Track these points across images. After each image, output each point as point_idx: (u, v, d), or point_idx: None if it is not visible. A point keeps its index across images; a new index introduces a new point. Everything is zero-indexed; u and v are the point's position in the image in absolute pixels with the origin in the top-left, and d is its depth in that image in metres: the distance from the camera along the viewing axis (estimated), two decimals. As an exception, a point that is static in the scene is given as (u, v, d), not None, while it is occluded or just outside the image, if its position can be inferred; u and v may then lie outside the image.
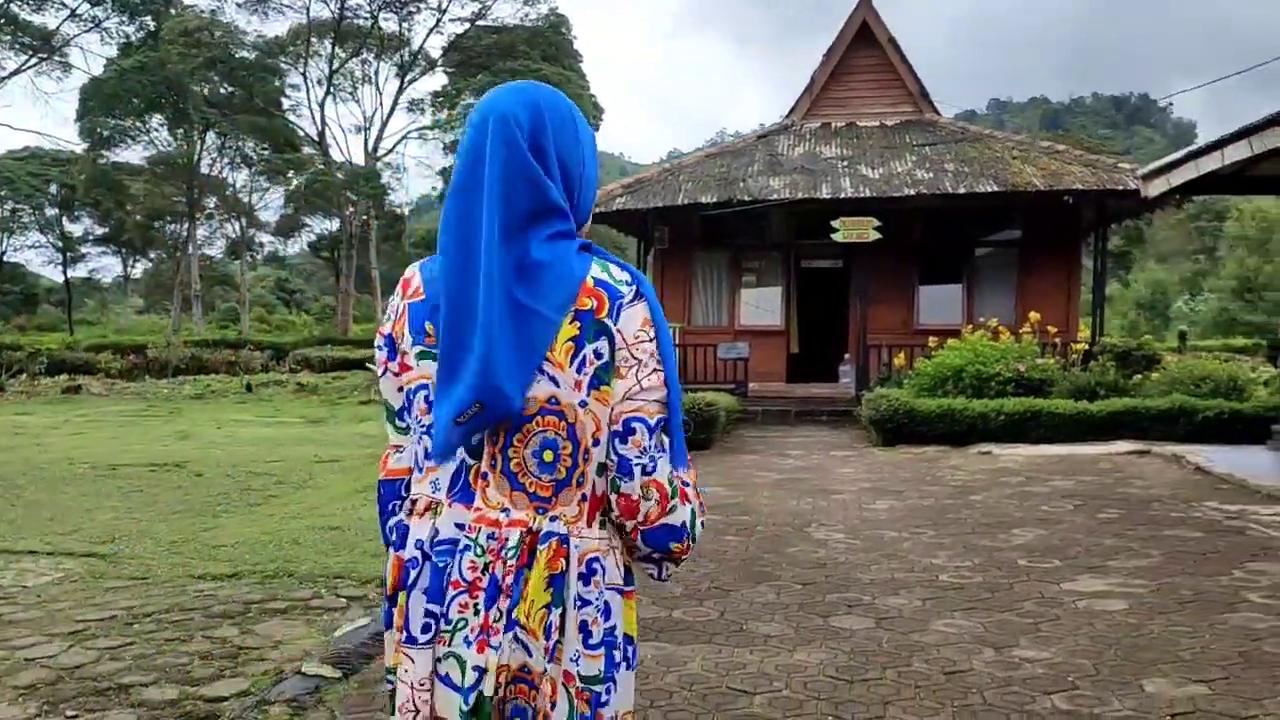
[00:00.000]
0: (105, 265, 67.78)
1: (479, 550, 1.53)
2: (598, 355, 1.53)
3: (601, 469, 1.57)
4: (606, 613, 1.58)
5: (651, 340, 1.57)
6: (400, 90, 41.35)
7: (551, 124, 1.59)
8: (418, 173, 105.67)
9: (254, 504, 8.74)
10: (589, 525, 1.57)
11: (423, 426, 1.60)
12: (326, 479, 10.13)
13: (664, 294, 18.71)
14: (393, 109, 41.51)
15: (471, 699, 1.50)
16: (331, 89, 44.05)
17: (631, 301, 1.55)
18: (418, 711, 1.55)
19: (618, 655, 1.59)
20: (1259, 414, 11.55)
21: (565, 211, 1.57)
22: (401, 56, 42.66)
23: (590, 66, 54.40)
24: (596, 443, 1.55)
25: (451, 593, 1.53)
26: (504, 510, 1.54)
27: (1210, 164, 8.99)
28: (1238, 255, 42.90)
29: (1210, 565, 6.03)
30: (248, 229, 64.63)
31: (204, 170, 51.07)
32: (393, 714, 1.62)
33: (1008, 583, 5.70)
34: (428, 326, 1.59)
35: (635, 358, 1.55)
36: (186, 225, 51.62)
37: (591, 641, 1.56)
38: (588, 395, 1.53)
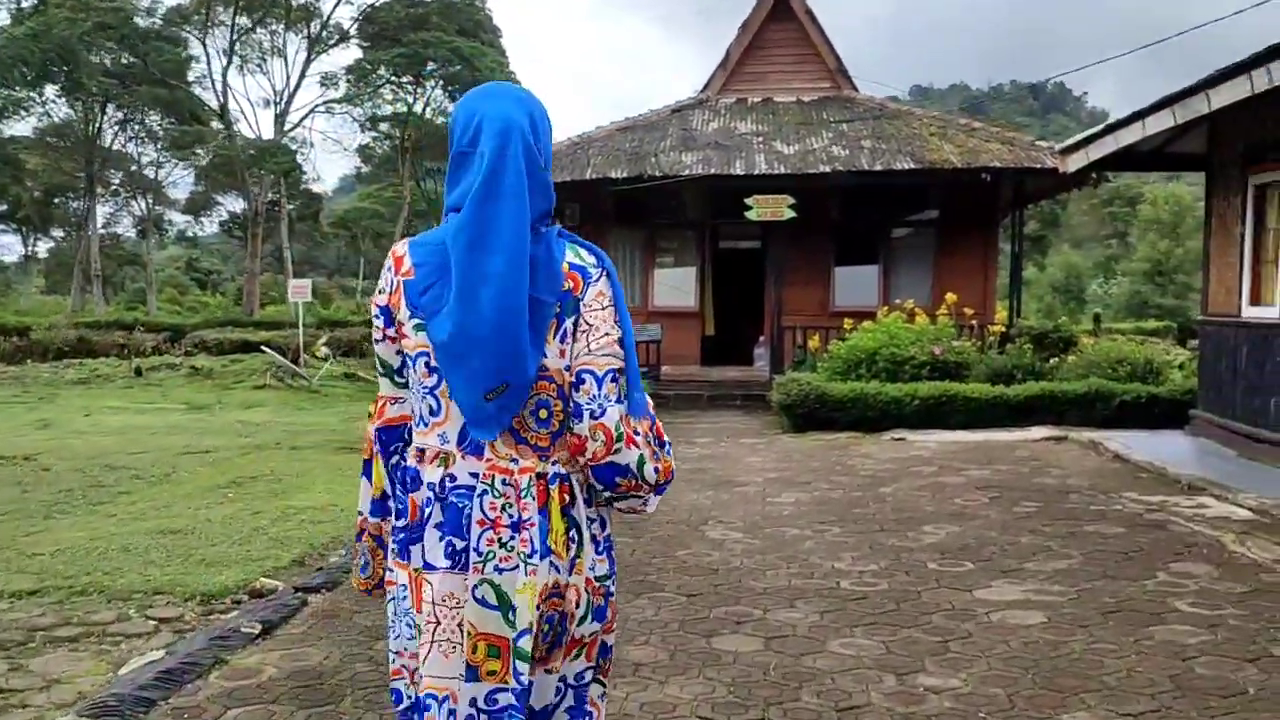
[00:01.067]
0: (6, 244, 64.77)
1: (495, 493, 1.84)
2: (573, 325, 1.87)
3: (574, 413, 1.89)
4: (603, 524, 2.00)
5: (604, 308, 1.89)
6: (308, 62, 39.73)
7: (542, 128, 1.91)
8: (326, 149, 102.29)
9: (97, 503, 7.83)
10: (576, 459, 1.90)
11: (424, 388, 1.90)
12: (190, 472, 9.23)
13: (574, 274, 17.96)
14: (299, 81, 39.86)
15: (515, 616, 1.81)
16: (240, 61, 42.25)
17: (597, 280, 1.90)
18: (439, 623, 1.86)
19: (613, 554, 2.04)
20: (1175, 398, 11.26)
21: (554, 201, 1.91)
22: (310, 28, 41.04)
23: (510, 43, 53.20)
24: (571, 386, 1.88)
25: (477, 530, 1.84)
26: (512, 460, 1.86)
27: (1130, 136, 8.57)
28: (1149, 239, 43.60)
29: (1133, 567, 5.54)
30: (155, 207, 62.22)
31: (107, 145, 48.84)
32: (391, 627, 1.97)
33: (916, 590, 5.12)
34: (421, 302, 1.88)
35: (589, 322, 1.88)
36: (87, 202, 49.30)
37: (599, 550, 1.97)
38: (567, 361, 1.87)
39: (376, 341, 2.00)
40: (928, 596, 5.01)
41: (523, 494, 1.85)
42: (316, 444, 11.44)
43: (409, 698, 1.99)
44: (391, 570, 1.97)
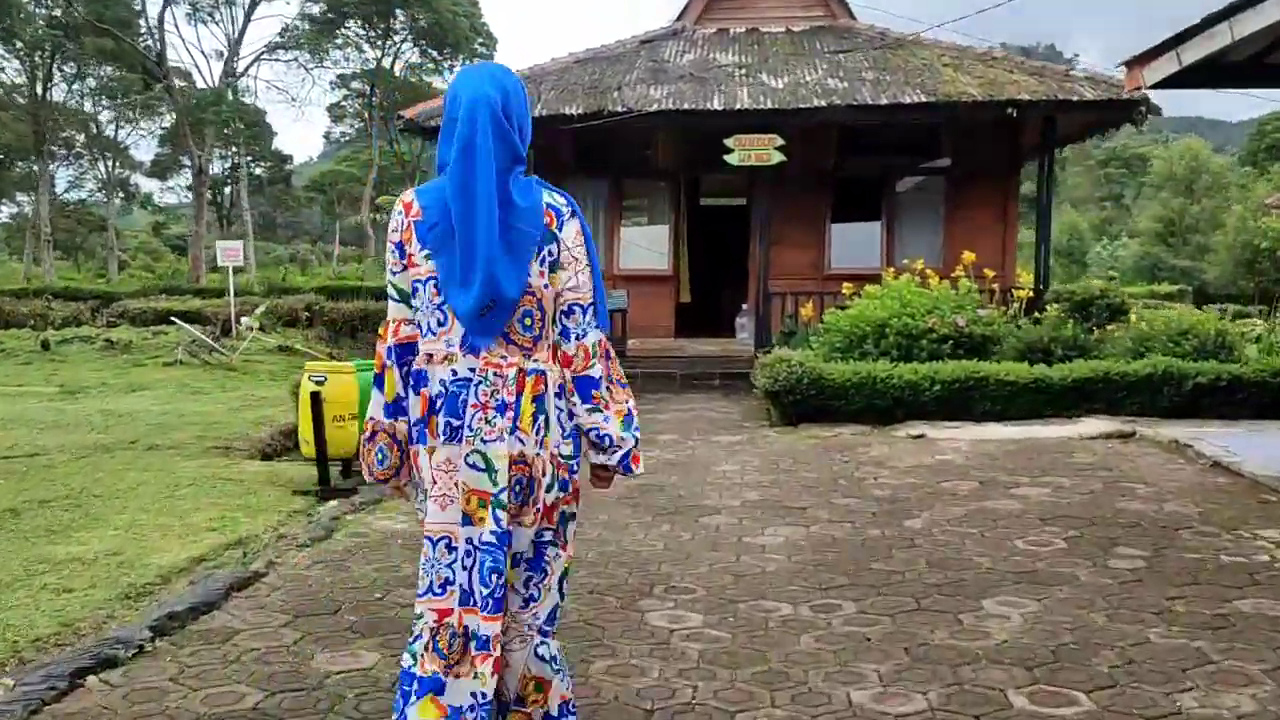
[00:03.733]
0: (-37, 208, 61.95)
1: (487, 383, 2.44)
2: (550, 254, 2.48)
3: (557, 326, 2.54)
4: (571, 415, 2.57)
5: (582, 247, 2.53)
6: (253, 6, 36.77)
7: (513, 97, 2.49)
8: (270, 99, 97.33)
9: None
10: (554, 364, 2.54)
11: (433, 304, 2.46)
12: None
13: (529, 232, 15.50)
14: (245, 24, 36.85)
15: (496, 477, 2.43)
16: (190, 8, 39.32)
17: (570, 218, 2.52)
18: (436, 482, 2.46)
19: (579, 441, 2.60)
20: (1263, 380, 8.93)
21: (524, 158, 2.50)
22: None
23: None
24: (553, 311, 2.52)
25: (471, 411, 2.43)
26: (503, 358, 2.46)
27: (1253, 23, 6.16)
28: (1162, 198, 41.08)
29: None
30: (119, 169, 59.39)
31: (60, 103, 45.87)
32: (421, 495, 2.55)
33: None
34: (428, 236, 2.45)
35: (574, 256, 2.51)
36: (39, 163, 46.34)
37: (565, 433, 2.55)
38: (546, 281, 2.48)
39: (393, 272, 2.51)
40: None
41: (509, 383, 2.45)
42: (181, 443, 9.04)
43: (435, 550, 2.51)
44: (415, 448, 2.52)
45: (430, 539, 2.47)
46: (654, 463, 7.63)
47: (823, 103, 12.66)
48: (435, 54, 50.45)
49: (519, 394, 2.43)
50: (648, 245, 15.59)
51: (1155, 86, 7.86)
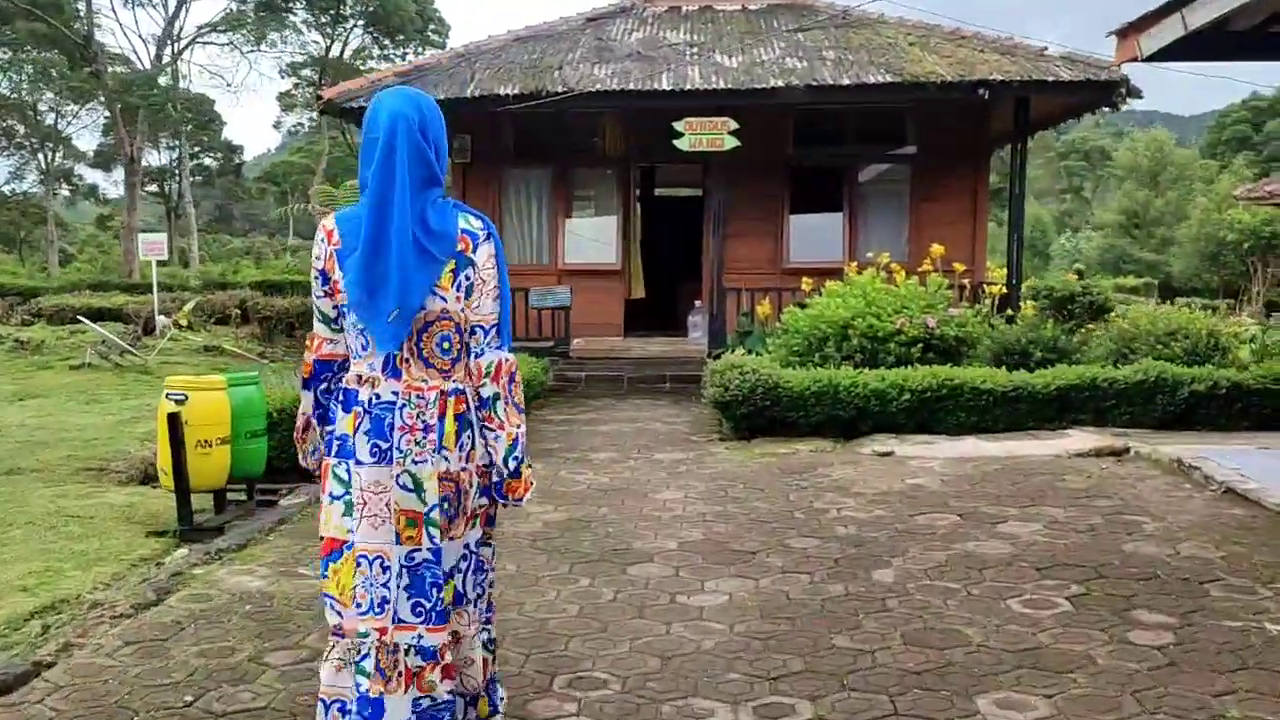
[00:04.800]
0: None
1: (412, 406, 2.57)
2: (466, 279, 2.59)
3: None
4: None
5: (492, 270, 2.64)
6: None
7: (430, 120, 2.59)
8: (205, 84, 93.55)
9: None
10: (469, 382, 2.67)
11: (357, 329, 2.58)
12: None
13: (466, 224, 14.39)
14: (179, 7, 35.16)
15: (426, 496, 2.57)
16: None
17: (485, 241, 2.63)
18: (365, 503, 2.56)
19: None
20: (1265, 388, 8.06)
21: (440, 180, 2.60)
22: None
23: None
24: (468, 332, 2.64)
25: (398, 434, 2.55)
26: (423, 381, 2.59)
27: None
28: (1126, 188, 40.51)
29: None
30: (60, 160, 57.37)
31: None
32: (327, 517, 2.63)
33: None
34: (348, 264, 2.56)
35: (483, 279, 2.62)
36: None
37: (489, 446, 2.68)
38: (462, 305, 2.60)
39: (318, 298, 2.65)
40: None
41: (430, 405, 2.58)
42: (48, 465, 7.91)
43: (331, 566, 2.63)
44: (332, 459, 2.63)
45: (365, 559, 2.59)
46: (584, 488, 6.59)
47: (780, 83, 11.66)
48: (386, 41, 49.00)
49: (441, 415, 2.59)
50: (595, 237, 14.52)
51: (1154, 58, 6.94)
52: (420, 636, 2.58)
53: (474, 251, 2.59)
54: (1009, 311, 11.49)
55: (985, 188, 14.30)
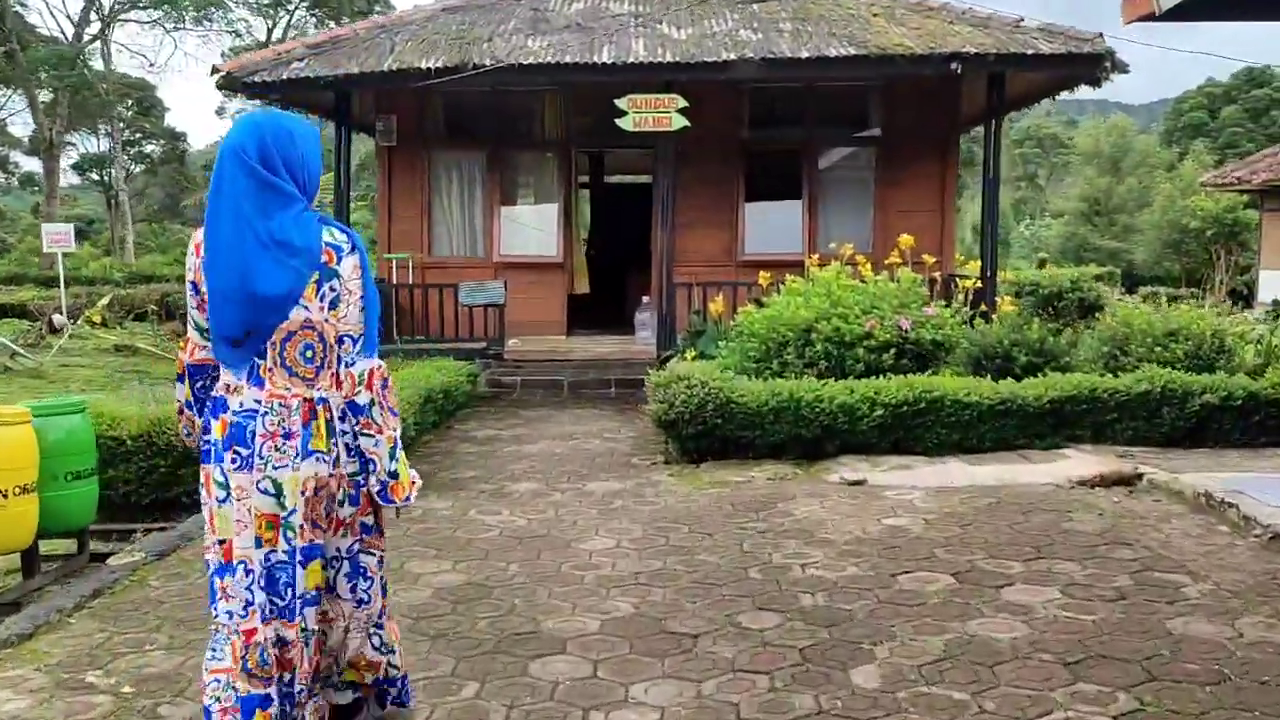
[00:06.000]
0: None
1: (274, 414, 2.64)
2: (331, 290, 2.67)
3: (337, 359, 2.73)
4: (355, 437, 2.76)
5: (358, 282, 2.71)
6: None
7: (277, 142, 2.64)
8: (124, 64, 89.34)
9: None
10: (338, 390, 2.73)
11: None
12: None
13: (392, 209, 13.11)
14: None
15: (285, 500, 2.66)
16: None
17: (349, 254, 2.71)
18: (236, 509, 2.67)
19: (364, 460, 2.78)
20: (1285, 398, 7.06)
21: (298, 195, 2.66)
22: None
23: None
24: (334, 342, 2.71)
25: (260, 441, 2.63)
26: (286, 389, 2.66)
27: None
28: (1087, 175, 39.81)
29: None
30: (-3, 146, 55.06)
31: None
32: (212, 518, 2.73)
33: None
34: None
35: (349, 290, 2.70)
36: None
37: (351, 454, 2.76)
38: (327, 315, 2.68)
39: (192, 309, 2.73)
40: None
41: (293, 413, 2.65)
42: None
43: (217, 564, 2.75)
44: (207, 467, 2.72)
45: (229, 565, 2.71)
46: (495, 537, 5.40)
47: (733, 55, 10.50)
48: (330, 23, 47.16)
49: (306, 422, 2.68)
50: (534, 226, 13.31)
51: (1170, 15, 5.87)
52: (277, 630, 2.70)
53: (338, 264, 2.69)
54: (983, 307, 10.47)
55: (954, 173, 13.27)
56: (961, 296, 10.35)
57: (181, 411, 2.95)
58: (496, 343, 11.66)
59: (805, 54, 10.53)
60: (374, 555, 2.90)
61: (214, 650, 2.75)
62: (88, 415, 5.26)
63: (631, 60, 10.47)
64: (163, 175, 66.93)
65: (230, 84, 10.61)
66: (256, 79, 10.51)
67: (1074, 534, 5.15)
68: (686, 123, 10.65)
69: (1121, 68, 10.38)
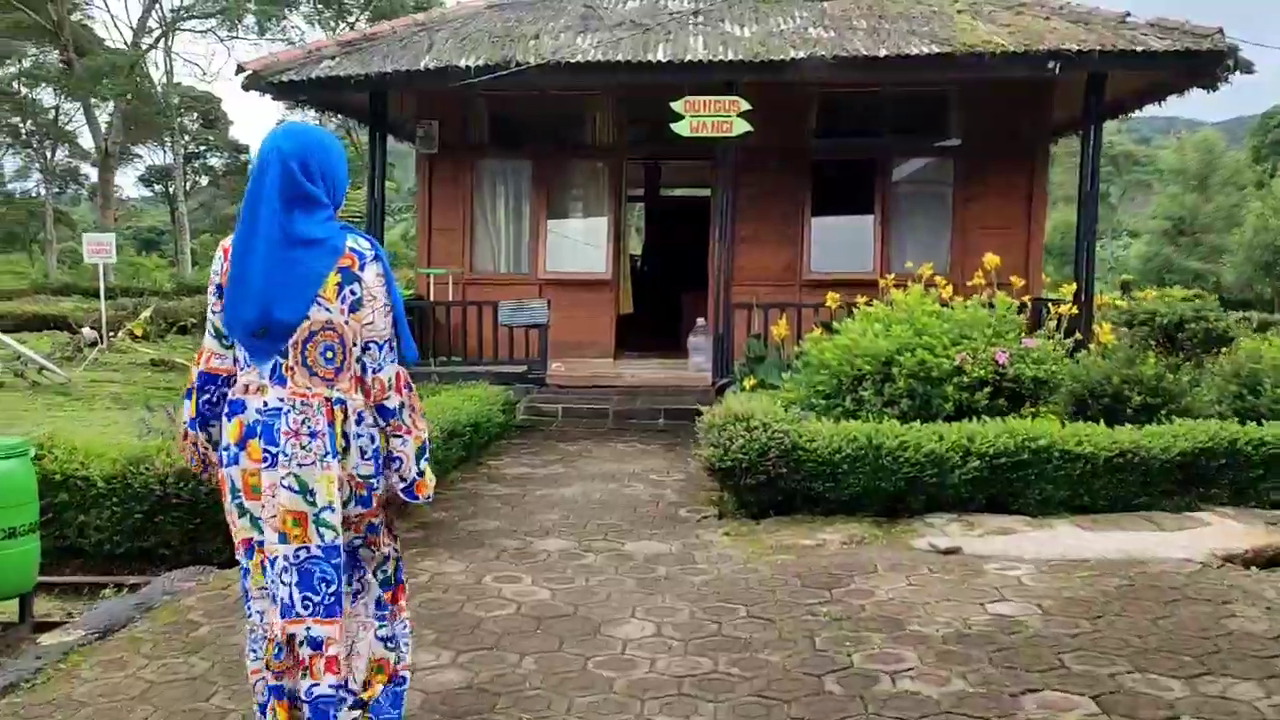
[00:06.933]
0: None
1: (296, 412, 2.69)
2: (352, 293, 2.73)
3: (358, 360, 2.80)
4: (373, 439, 2.83)
5: (382, 288, 2.79)
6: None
7: (315, 152, 2.76)
8: (183, 73, 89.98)
9: None
10: (356, 393, 2.79)
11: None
12: None
13: (432, 222, 12.27)
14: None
15: (315, 497, 2.70)
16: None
17: (371, 261, 2.78)
18: (265, 506, 2.72)
19: (380, 464, 2.86)
20: None
21: (327, 204, 2.78)
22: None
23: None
24: (355, 345, 2.77)
25: (284, 438, 2.68)
26: (307, 388, 2.71)
27: None
28: (1171, 193, 37.94)
29: None
30: (60, 156, 55.77)
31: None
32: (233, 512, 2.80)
33: None
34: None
35: (373, 295, 2.78)
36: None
37: (365, 456, 2.81)
38: (348, 317, 2.74)
39: (213, 311, 2.79)
40: None
41: (316, 411, 2.70)
42: None
43: (245, 563, 2.85)
44: (225, 471, 2.77)
45: (272, 560, 2.75)
46: (510, 616, 4.43)
47: (802, 53, 9.50)
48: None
49: (330, 421, 2.72)
50: (583, 241, 12.40)
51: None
52: (309, 628, 2.72)
53: (361, 269, 2.76)
54: (1078, 336, 9.30)
55: (1043, 187, 12.11)
56: (1053, 324, 9.19)
57: (185, 435, 2.95)
58: (538, 366, 10.74)
59: (884, 52, 9.49)
60: (371, 550, 2.96)
61: (253, 651, 2.89)
62: (29, 460, 4.41)
63: (690, 58, 9.51)
64: (225, 187, 67.48)
65: (255, 83, 9.85)
66: (284, 78, 9.74)
67: (1241, 637, 4.04)
68: (749, 127, 9.66)
69: (1245, 67, 9.17)
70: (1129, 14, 10.11)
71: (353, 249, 2.75)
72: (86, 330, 15.53)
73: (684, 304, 14.26)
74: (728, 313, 10.33)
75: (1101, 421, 6.48)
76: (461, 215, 12.23)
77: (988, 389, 6.59)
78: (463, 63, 9.72)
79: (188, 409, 2.89)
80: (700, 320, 11.80)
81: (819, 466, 5.93)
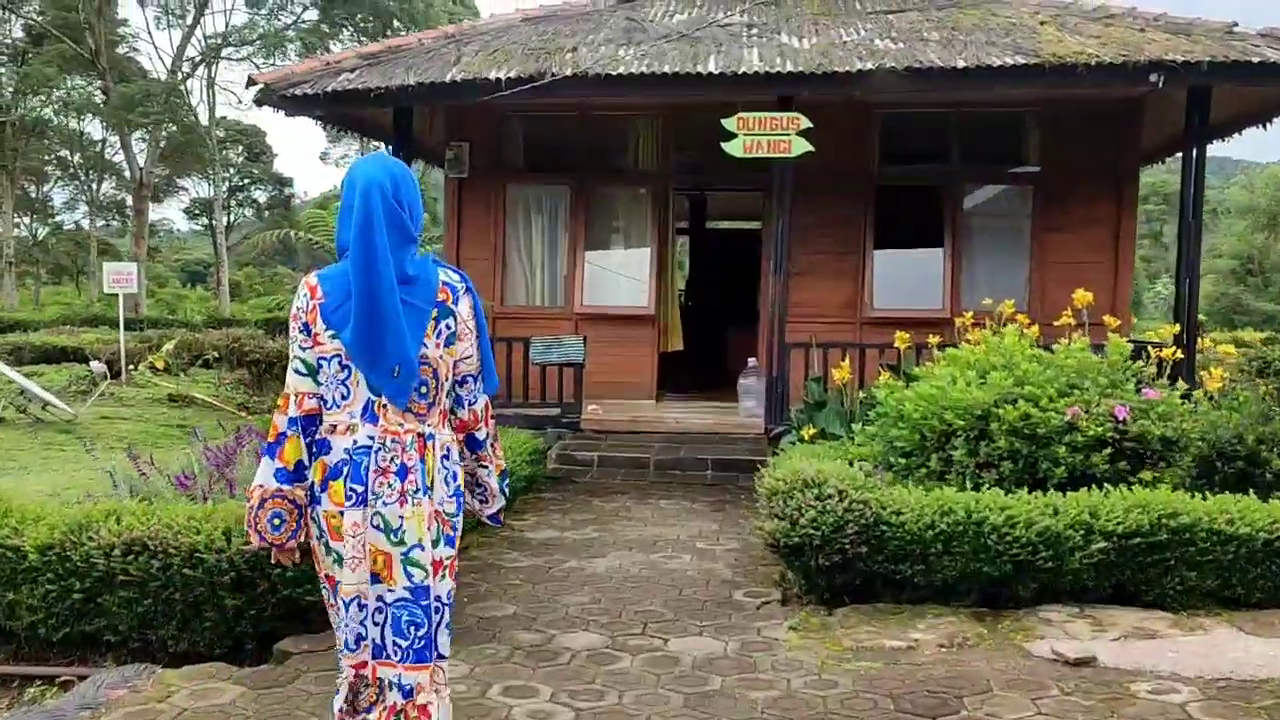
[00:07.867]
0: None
1: (386, 449, 2.67)
2: (448, 328, 2.75)
3: (449, 395, 2.83)
4: (455, 476, 2.84)
5: (473, 322, 2.82)
6: (201, 6, 32.73)
7: (403, 183, 2.72)
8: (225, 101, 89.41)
9: None
10: (444, 428, 2.82)
11: (337, 380, 2.71)
12: None
13: (461, 251, 11.36)
14: (194, 24, 32.81)
15: (403, 535, 2.67)
16: (163, 10, 35.72)
17: (464, 294, 2.81)
18: (348, 545, 2.68)
19: (461, 502, 2.87)
20: None
21: (417, 238, 2.76)
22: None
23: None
24: (447, 379, 2.79)
25: (373, 477, 2.66)
26: (400, 425, 2.70)
27: None
28: (1239, 230, 36.37)
29: None
30: (106, 188, 56.19)
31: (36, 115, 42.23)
32: (326, 550, 2.73)
33: None
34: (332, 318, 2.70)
35: (469, 328, 2.81)
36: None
37: (450, 492, 2.81)
38: (443, 351, 2.76)
39: (302, 348, 2.74)
40: None
41: (407, 448, 2.69)
42: None
43: (330, 600, 2.78)
44: (313, 514, 2.73)
45: (344, 600, 2.72)
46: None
47: (869, 65, 8.50)
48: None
49: (422, 458, 2.72)
50: (623, 274, 11.42)
51: None
52: (400, 675, 2.70)
53: (455, 304, 2.78)
54: (1181, 385, 8.13)
55: (1132, 217, 10.94)
56: (1152, 368, 8.04)
57: (264, 502, 2.74)
58: (572, 408, 9.75)
59: (960, 63, 8.48)
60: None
61: (340, 690, 2.81)
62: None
63: (743, 70, 8.54)
64: (268, 221, 67.60)
65: (268, 97, 9.01)
66: (298, 91, 8.89)
67: None
68: (810, 147, 8.66)
69: None
70: (1236, 24, 9.01)
71: (445, 283, 2.78)
72: (95, 364, 14.73)
73: (730, 343, 13.25)
74: (782, 352, 9.28)
75: (1231, 489, 5.35)
76: (493, 243, 11.30)
77: (1107, 450, 5.47)
78: (491, 75, 8.82)
79: (270, 465, 2.74)
80: (751, 360, 10.75)
81: (906, 545, 4.85)
